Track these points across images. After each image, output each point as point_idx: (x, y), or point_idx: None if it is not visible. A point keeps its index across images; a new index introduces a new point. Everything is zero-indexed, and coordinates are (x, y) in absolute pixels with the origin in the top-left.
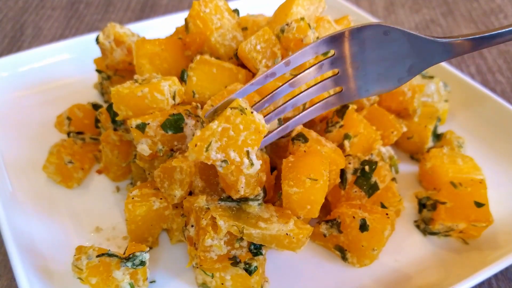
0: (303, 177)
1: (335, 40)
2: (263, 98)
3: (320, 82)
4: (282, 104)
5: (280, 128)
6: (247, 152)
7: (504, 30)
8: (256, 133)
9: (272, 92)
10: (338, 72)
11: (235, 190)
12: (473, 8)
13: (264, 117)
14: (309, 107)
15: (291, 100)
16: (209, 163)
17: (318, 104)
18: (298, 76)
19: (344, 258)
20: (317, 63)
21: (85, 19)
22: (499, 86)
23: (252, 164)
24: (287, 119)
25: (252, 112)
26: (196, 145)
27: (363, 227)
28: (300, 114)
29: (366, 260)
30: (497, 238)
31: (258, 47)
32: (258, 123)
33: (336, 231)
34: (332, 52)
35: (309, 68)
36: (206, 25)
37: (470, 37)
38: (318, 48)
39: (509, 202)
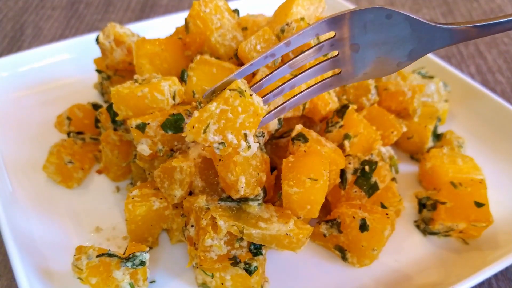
0: (303, 177)
1: (336, 21)
2: (262, 78)
3: (319, 63)
4: (281, 85)
5: (277, 109)
6: (245, 134)
7: (506, 19)
8: (254, 116)
9: (271, 72)
10: (338, 54)
11: (235, 190)
12: (473, 8)
13: (262, 97)
14: (307, 88)
15: (289, 81)
16: (206, 145)
17: (315, 86)
18: (297, 58)
19: (344, 258)
20: (317, 44)
21: (85, 19)
22: (499, 86)
23: (249, 147)
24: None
25: (251, 95)
26: (193, 127)
27: (363, 227)
28: (298, 95)
29: (366, 260)
30: (497, 238)
31: (258, 47)
32: (257, 106)
33: (336, 231)
34: (332, 33)
35: (309, 49)
36: (206, 25)
37: (472, 25)
38: (318, 29)
39: (509, 202)
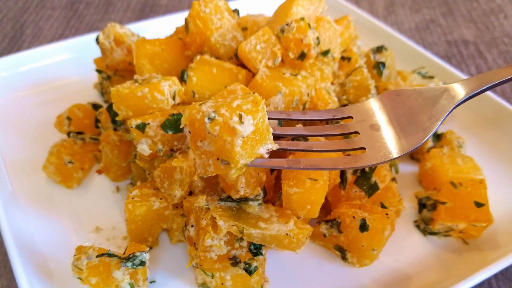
0: (303, 177)
1: (351, 109)
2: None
3: (339, 134)
4: (297, 139)
5: (292, 159)
6: (240, 114)
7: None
8: (254, 104)
9: (289, 133)
10: (359, 134)
11: (235, 190)
12: (473, 8)
13: (275, 141)
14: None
15: (306, 142)
16: (198, 117)
17: (341, 158)
18: (316, 127)
19: (344, 258)
20: (334, 120)
21: (85, 19)
22: (499, 86)
23: (242, 122)
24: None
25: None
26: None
27: (363, 227)
28: (319, 159)
29: (366, 260)
30: (497, 238)
31: (258, 47)
32: (257, 96)
33: (336, 231)
34: (350, 119)
35: (327, 123)
36: (206, 25)
37: (466, 79)
38: (336, 112)
39: (509, 202)
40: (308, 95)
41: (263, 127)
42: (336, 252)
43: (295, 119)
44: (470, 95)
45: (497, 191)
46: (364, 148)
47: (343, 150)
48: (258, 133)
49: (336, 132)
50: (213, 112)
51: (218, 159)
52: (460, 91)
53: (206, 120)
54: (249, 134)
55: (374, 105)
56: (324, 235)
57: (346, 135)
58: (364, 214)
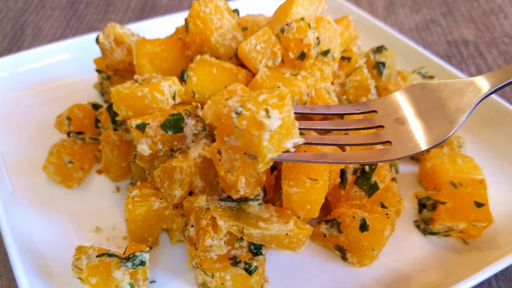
0: (303, 177)
1: (375, 103)
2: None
3: (364, 128)
4: (324, 130)
5: (319, 153)
6: (267, 109)
7: None
8: (280, 98)
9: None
10: (384, 127)
11: (235, 190)
12: (473, 8)
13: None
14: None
15: (332, 136)
16: (224, 111)
17: (367, 152)
18: (342, 121)
19: (344, 258)
20: (359, 113)
21: (85, 19)
22: None
23: (269, 116)
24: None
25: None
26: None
27: (363, 227)
28: (345, 153)
29: (366, 260)
30: (497, 238)
31: (258, 47)
32: (282, 90)
33: (336, 231)
34: (373, 113)
35: (352, 117)
36: (206, 25)
37: (492, 72)
38: (360, 106)
39: (509, 202)
40: (308, 95)
41: (289, 121)
42: (336, 252)
43: (319, 113)
44: (495, 88)
45: (497, 191)
46: (389, 142)
47: (369, 144)
48: (284, 127)
49: (360, 126)
50: (240, 106)
51: (245, 153)
52: (485, 84)
53: (233, 114)
54: (276, 128)
55: (398, 98)
56: (324, 235)
57: (371, 129)
58: (364, 214)
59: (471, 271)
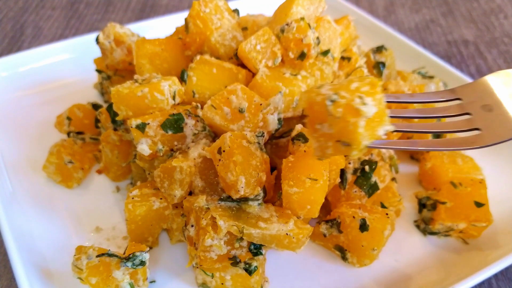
0: (303, 177)
1: (460, 90)
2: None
3: (452, 116)
4: (410, 117)
5: (410, 140)
6: (360, 96)
7: None
8: (372, 86)
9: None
10: (471, 114)
11: (235, 190)
12: (473, 8)
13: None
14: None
15: (420, 124)
16: (317, 99)
17: (457, 137)
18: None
19: (344, 258)
20: (443, 101)
21: (85, 19)
22: None
23: (364, 103)
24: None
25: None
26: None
27: (363, 227)
28: (435, 140)
29: (366, 260)
30: (497, 238)
31: (258, 47)
32: (373, 78)
33: (336, 231)
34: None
35: (439, 104)
36: (206, 25)
37: None
38: (444, 94)
39: (509, 202)
40: None
41: (382, 108)
42: (336, 252)
43: (403, 102)
44: None
45: (497, 191)
46: (478, 129)
47: (458, 131)
48: (378, 114)
49: (446, 114)
50: (334, 94)
51: (338, 141)
52: None
53: (328, 102)
54: (372, 115)
55: (484, 85)
56: (324, 235)
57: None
58: (364, 214)
59: (471, 271)
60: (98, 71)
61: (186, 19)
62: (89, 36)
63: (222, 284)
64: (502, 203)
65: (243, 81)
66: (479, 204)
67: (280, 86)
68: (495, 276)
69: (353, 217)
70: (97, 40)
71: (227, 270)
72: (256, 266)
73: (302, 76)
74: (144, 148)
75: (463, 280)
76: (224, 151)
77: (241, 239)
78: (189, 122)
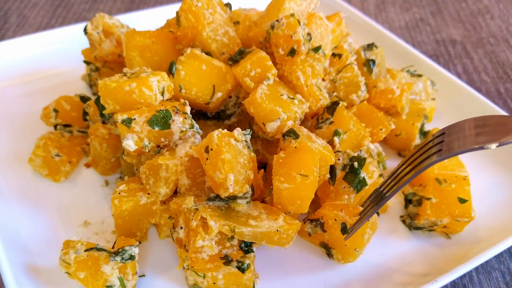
0: (293, 173)
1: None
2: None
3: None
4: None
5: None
6: None
7: None
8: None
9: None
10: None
11: (223, 188)
12: (461, 8)
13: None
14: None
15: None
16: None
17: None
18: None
19: (329, 254)
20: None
21: (73, 8)
22: (484, 85)
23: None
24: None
25: None
26: None
27: (344, 230)
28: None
29: (350, 258)
30: (478, 233)
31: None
32: None
33: (320, 230)
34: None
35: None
36: (198, 19)
37: None
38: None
39: (490, 198)
40: (300, 119)
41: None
42: (321, 248)
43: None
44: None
45: (480, 188)
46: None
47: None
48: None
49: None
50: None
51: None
52: None
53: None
54: None
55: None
56: (309, 234)
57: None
58: (345, 218)
59: (453, 264)
60: (86, 62)
61: (177, 13)
62: (77, 26)
63: (214, 283)
64: (483, 199)
65: (231, 81)
66: (462, 200)
67: (280, 112)
68: (476, 269)
69: (335, 219)
70: (85, 30)
71: (219, 270)
72: (248, 264)
73: (298, 100)
74: (129, 143)
75: (446, 273)
76: (211, 149)
77: (232, 238)
78: (177, 119)
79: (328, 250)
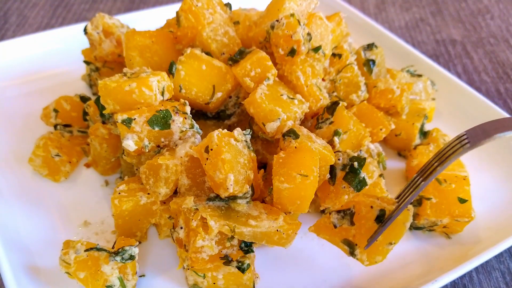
0: (293, 173)
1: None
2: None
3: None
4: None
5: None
6: None
7: None
8: None
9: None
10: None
11: (223, 189)
12: (461, 8)
13: None
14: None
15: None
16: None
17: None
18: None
19: (352, 253)
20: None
21: (73, 8)
22: (484, 85)
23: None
24: None
25: None
26: None
27: (380, 218)
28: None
29: (378, 257)
30: (478, 233)
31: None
32: None
33: (348, 223)
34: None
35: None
36: (198, 19)
37: None
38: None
39: (490, 198)
40: (300, 119)
41: None
42: (343, 247)
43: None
44: None
45: (480, 188)
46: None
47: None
48: None
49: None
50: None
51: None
52: None
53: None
54: None
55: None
56: (335, 226)
57: None
58: (383, 204)
59: (453, 264)
60: (86, 62)
61: (177, 13)
62: (77, 26)
63: (214, 283)
64: (483, 199)
65: (231, 81)
66: (462, 200)
67: (280, 112)
68: (476, 269)
69: (371, 206)
70: (85, 30)
71: (219, 270)
72: (248, 264)
73: (298, 100)
74: (129, 143)
75: (446, 273)
76: (211, 149)
77: (232, 238)
78: (177, 119)
79: (352, 248)
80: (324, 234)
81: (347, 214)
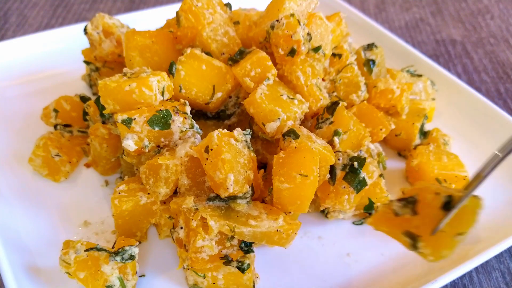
0: (293, 173)
1: None
2: None
3: None
4: None
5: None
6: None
7: None
8: None
9: None
10: None
11: (223, 189)
12: (461, 8)
13: None
14: None
15: None
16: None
17: None
18: None
19: (414, 246)
20: None
21: (73, 8)
22: (484, 85)
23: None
24: None
25: None
26: None
27: (447, 205)
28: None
29: (445, 251)
30: (478, 233)
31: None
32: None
33: (410, 212)
34: None
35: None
36: (198, 19)
37: None
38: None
39: (490, 198)
40: (300, 119)
41: None
42: (404, 238)
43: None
44: None
45: (480, 188)
46: None
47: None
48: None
49: None
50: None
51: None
52: None
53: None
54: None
55: None
56: (397, 214)
57: None
58: (450, 191)
59: (453, 264)
60: (86, 62)
61: (177, 13)
62: (77, 26)
63: (214, 283)
64: (483, 199)
65: (231, 82)
66: None
67: (280, 112)
68: (476, 269)
69: (436, 193)
70: (85, 30)
71: (219, 270)
72: (248, 264)
73: (298, 100)
74: (129, 144)
75: (446, 273)
76: (211, 149)
77: (232, 238)
78: (177, 119)
79: (413, 240)
80: (384, 226)
81: (410, 202)
